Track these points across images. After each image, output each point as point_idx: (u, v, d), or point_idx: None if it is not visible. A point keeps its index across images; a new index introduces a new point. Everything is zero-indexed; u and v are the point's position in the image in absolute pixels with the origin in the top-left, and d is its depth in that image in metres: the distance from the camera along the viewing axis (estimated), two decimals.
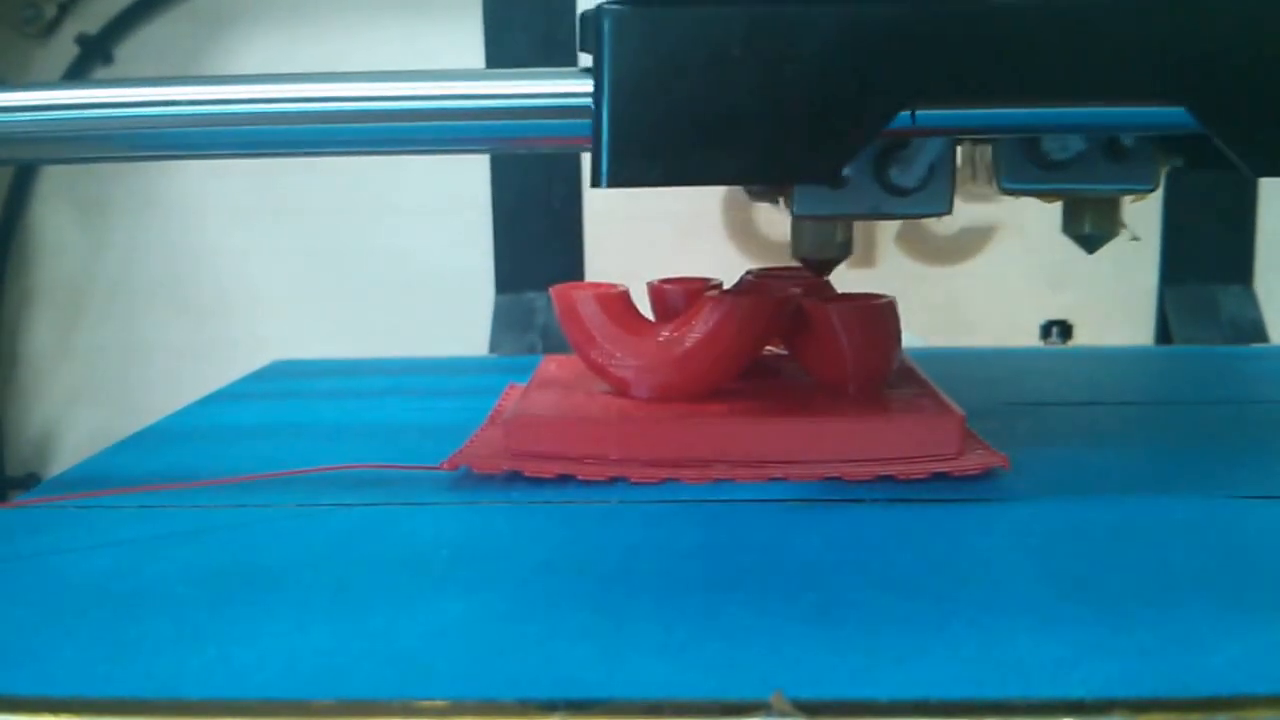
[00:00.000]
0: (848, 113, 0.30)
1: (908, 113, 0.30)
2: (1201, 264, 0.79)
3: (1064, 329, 0.83)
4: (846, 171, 0.35)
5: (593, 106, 0.31)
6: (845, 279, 0.43)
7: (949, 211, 0.36)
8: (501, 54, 0.77)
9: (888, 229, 0.81)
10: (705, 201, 0.79)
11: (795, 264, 0.45)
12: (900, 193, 0.35)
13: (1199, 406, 0.47)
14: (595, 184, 0.31)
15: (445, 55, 0.81)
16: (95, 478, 0.38)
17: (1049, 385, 0.51)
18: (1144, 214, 0.79)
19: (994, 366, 0.55)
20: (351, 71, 0.34)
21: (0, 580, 0.29)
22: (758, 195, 0.43)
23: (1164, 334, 0.80)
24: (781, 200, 0.38)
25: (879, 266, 0.82)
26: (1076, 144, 0.35)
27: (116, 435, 0.44)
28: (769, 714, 0.21)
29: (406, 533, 0.32)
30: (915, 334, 0.78)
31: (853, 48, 0.29)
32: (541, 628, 0.25)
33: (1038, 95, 0.30)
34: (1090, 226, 0.37)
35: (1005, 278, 0.82)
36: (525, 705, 0.22)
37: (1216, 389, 0.51)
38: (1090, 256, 0.39)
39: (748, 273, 0.44)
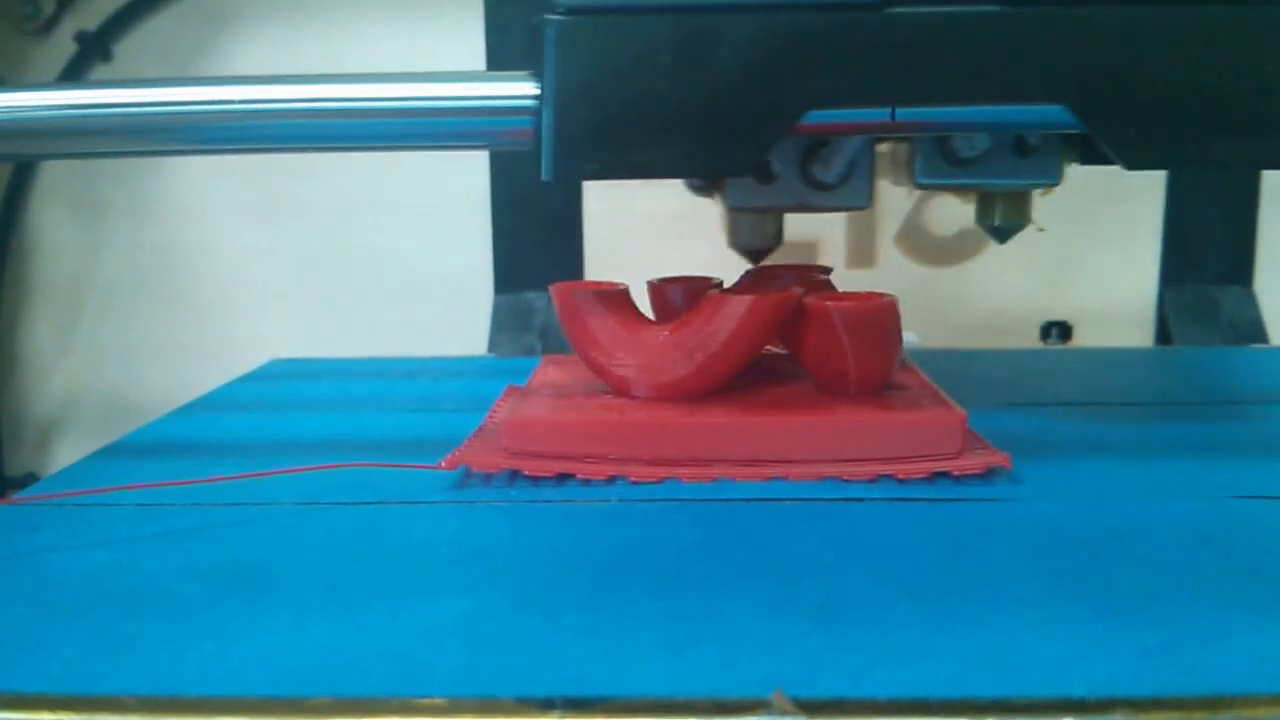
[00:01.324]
0: (761, 113, 0.33)
1: (819, 111, 0.33)
2: (1201, 265, 0.79)
3: (1064, 329, 0.83)
4: (775, 168, 0.38)
5: (537, 106, 0.34)
6: (845, 279, 0.43)
7: (868, 205, 0.39)
8: (502, 52, 0.77)
9: (887, 229, 0.81)
10: (705, 201, 0.79)
11: (794, 263, 0.45)
12: (823, 187, 0.39)
13: (1199, 406, 0.46)
14: (541, 177, 0.34)
15: (446, 53, 0.81)
16: (93, 476, 0.38)
17: (1049, 385, 0.51)
18: (1144, 215, 0.79)
19: (994, 366, 0.55)
20: (339, 73, 0.36)
21: None
22: (697, 190, 0.45)
23: (1164, 335, 0.80)
24: (717, 195, 0.41)
25: (879, 267, 0.82)
26: (983, 142, 0.38)
27: (115, 434, 0.44)
28: (769, 712, 0.21)
29: (404, 531, 0.32)
30: (915, 334, 0.78)
31: (765, 54, 0.33)
32: (540, 626, 0.25)
33: (932, 98, 0.33)
34: (1000, 219, 0.41)
35: (1005, 278, 0.82)
36: (524, 703, 0.22)
37: (1217, 389, 0.51)
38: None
39: (748, 272, 0.44)
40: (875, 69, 0.32)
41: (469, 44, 0.78)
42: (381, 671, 0.23)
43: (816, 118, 0.33)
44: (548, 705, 0.22)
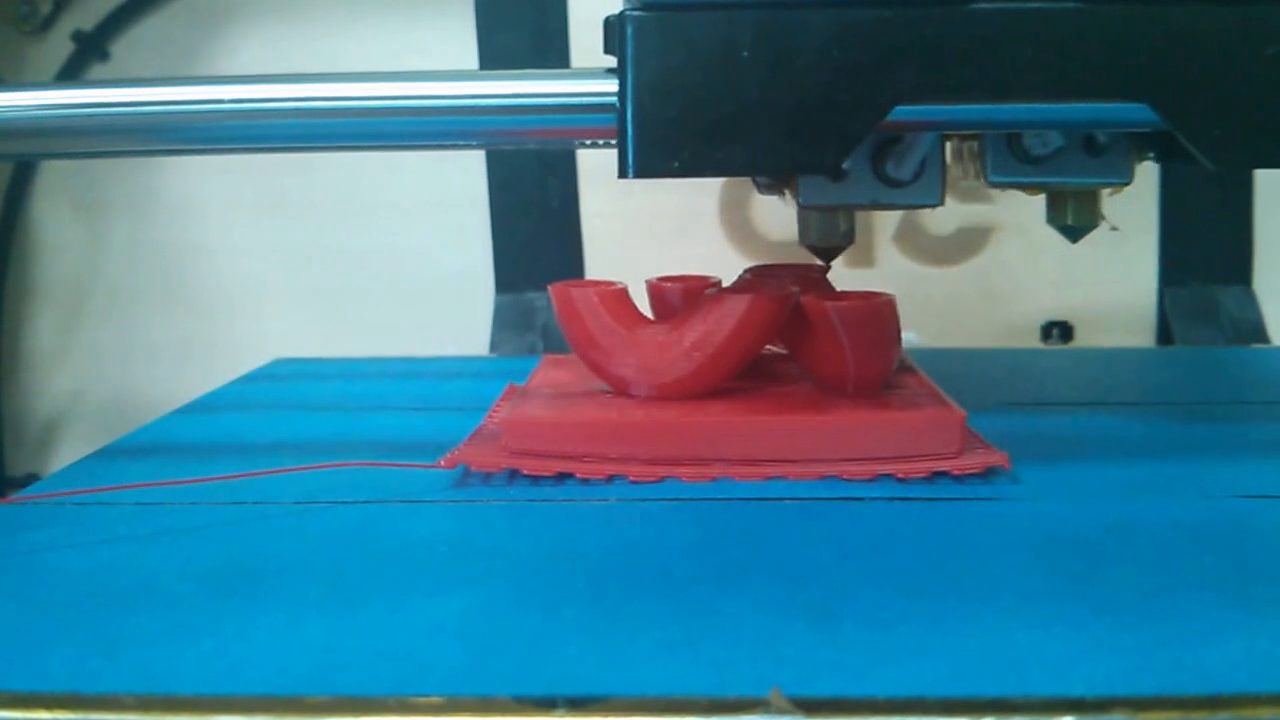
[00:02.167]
0: (845, 109, 0.33)
1: (905, 106, 0.33)
2: (1201, 265, 0.79)
3: (1064, 330, 0.83)
4: (846, 165, 0.37)
5: (617, 104, 0.34)
6: (844, 278, 0.43)
7: (941, 202, 0.38)
8: (493, 50, 0.77)
9: (885, 229, 0.81)
10: (704, 200, 0.79)
11: (794, 262, 0.45)
12: (895, 185, 0.38)
13: (1199, 406, 0.46)
14: (622, 175, 0.34)
15: (438, 50, 0.81)
16: (93, 475, 0.38)
17: (1049, 385, 0.51)
18: (1141, 214, 0.79)
19: (994, 366, 0.55)
20: (357, 72, 0.36)
21: None
22: (765, 188, 0.45)
23: (1164, 335, 0.80)
24: (787, 192, 0.40)
25: (878, 266, 0.82)
26: (1056, 140, 0.37)
27: (117, 434, 0.44)
28: (767, 711, 0.21)
29: (403, 530, 0.32)
30: (915, 334, 0.77)
31: (848, 49, 0.32)
32: (539, 624, 0.25)
33: (1015, 94, 0.33)
34: (1072, 218, 0.40)
35: (1005, 278, 0.82)
36: (522, 702, 0.22)
37: (1217, 389, 0.51)
38: (1091, 257, 0.41)
39: (747, 271, 0.44)
40: (958, 65, 0.32)
41: (462, 42, 0.78)
42: (379, 670, 0.23)
43: (903, 114, 0.33)
44: (546, 704, 0.22)
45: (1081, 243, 0.41)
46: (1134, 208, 0.78)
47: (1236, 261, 0.79)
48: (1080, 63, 0.32)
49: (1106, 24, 0.32)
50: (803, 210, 0.41)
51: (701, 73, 0.33)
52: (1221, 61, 0.32)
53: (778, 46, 0.32)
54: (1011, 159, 0.38)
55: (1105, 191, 0.40)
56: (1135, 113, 0.33)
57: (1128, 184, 0.38)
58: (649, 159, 0.33)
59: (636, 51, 0.33)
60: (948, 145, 0.40)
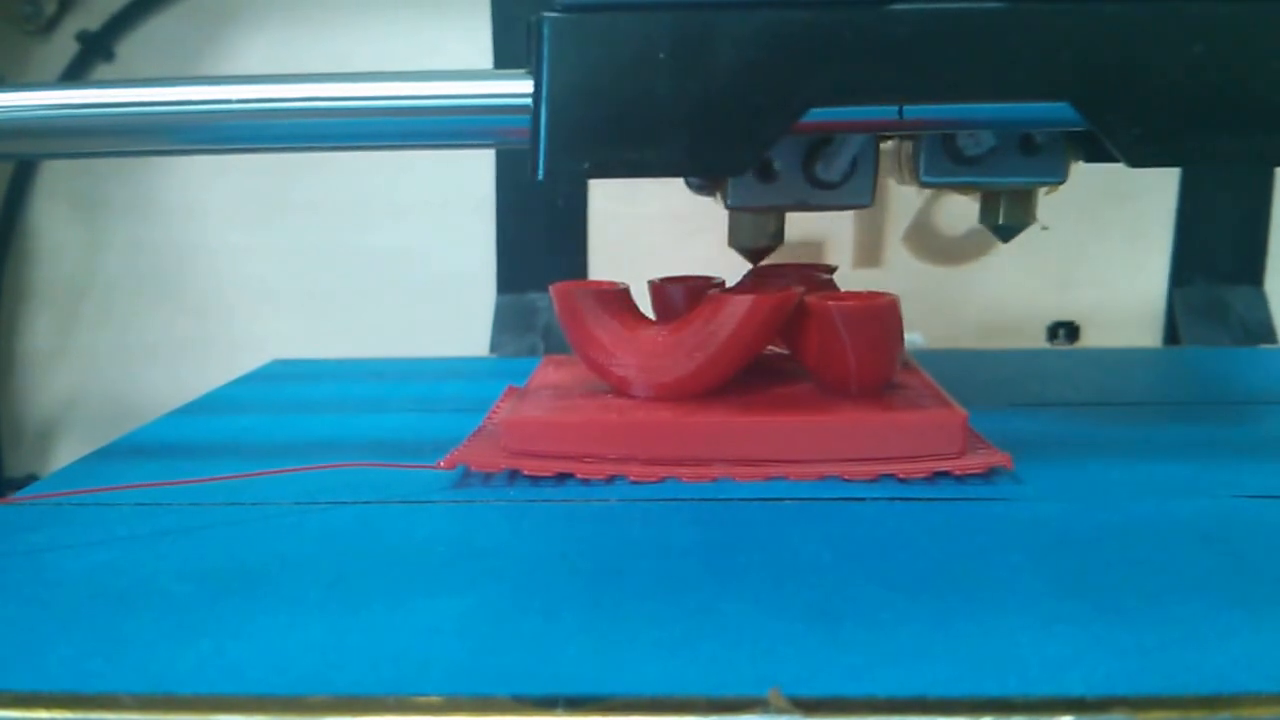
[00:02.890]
0: (758, 111, 0.33)
1: (820, 109, 0.33)
2: (1211, 265, 0.79)
3: (1070, 330, 0.83)
4: (777, 166, 0.38)
5: (531, 104, 0.34)
6: (851, 278, 0.43)
7: (870, 204, 0.39)
8: (510, 49, 0.77)
9: (895, 229, 0.81)
10: (708, 201, 0.79)
11: (796, 262, 0.45)
12: (825, 186, 0.38)
13: (1205, 407, 0.46)
14: (532, 175, 0.34)
15: (452, 51, 0.81)
16: (92, 476, 0.38)
17: (1054, 385, 0.51)
18: (1154, 215, 0.78)
19: (999, 367, 0.55)
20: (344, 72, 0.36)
21: None
22: (698, 189, 0.45)
23: (1172, 336, 0.80)
24: (718, 194, 0.41)
25: (885, 266, 0.82)
26: (988, 140, 0.37)
27: (116, 435, 0.44)
28: (766, 711, 0.21)
29: (403, 530, 0.32)
30: (920, 334, 0.77)
31: (763, 51, 0.32)
32: (538, 624, 0.25)
33: (933, 95, 0.33)
34: (1005, 218, 0.40)
35: (1011, 278, 0.82)
36: (520, 701, 0.22)
37: (1223, 390, 0.51)
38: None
39: (750, 271, 0.44)
40: (876, 66, 0.32)
41: (476, 43, 0.78)
42: (378, 670, 0.23)
43: (818, 115, 0.33)
44: (545, 704, 0.22)
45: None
46: (1147, 207, 0.78)
47: (1248, 262, 0.79)
48: (1000, 63, 0.32)
49: (1026, 23, 0.32)
50: (731, 211, 0.41)
51: (617, 74, 0.33)
52: (1139, 60, 0.32)
53: (693, 48, 0.32)
54: (946, 159, 0.38)
55: (1042, 190, 0.40)
56: (1060, 112, 0.33)
57: (1061, 183, 0.38)
58: (559, 160, 0.33)
59: (552, 53, 0.33)
60: (886, 145, 0.40)
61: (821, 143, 0.37)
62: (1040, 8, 0.32)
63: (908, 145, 0.40)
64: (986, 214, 0.41)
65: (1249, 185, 0.78)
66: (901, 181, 0.41)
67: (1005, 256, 0.81)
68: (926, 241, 0.81)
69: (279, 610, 0.26)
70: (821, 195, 0.38)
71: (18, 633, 0.25)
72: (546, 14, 0.33)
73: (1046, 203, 0.41)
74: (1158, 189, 0.78)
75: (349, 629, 0.25)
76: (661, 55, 0.32)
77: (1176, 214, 0.78)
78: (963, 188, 0.39)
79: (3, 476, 0.87)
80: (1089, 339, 0.82)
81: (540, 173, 0.33)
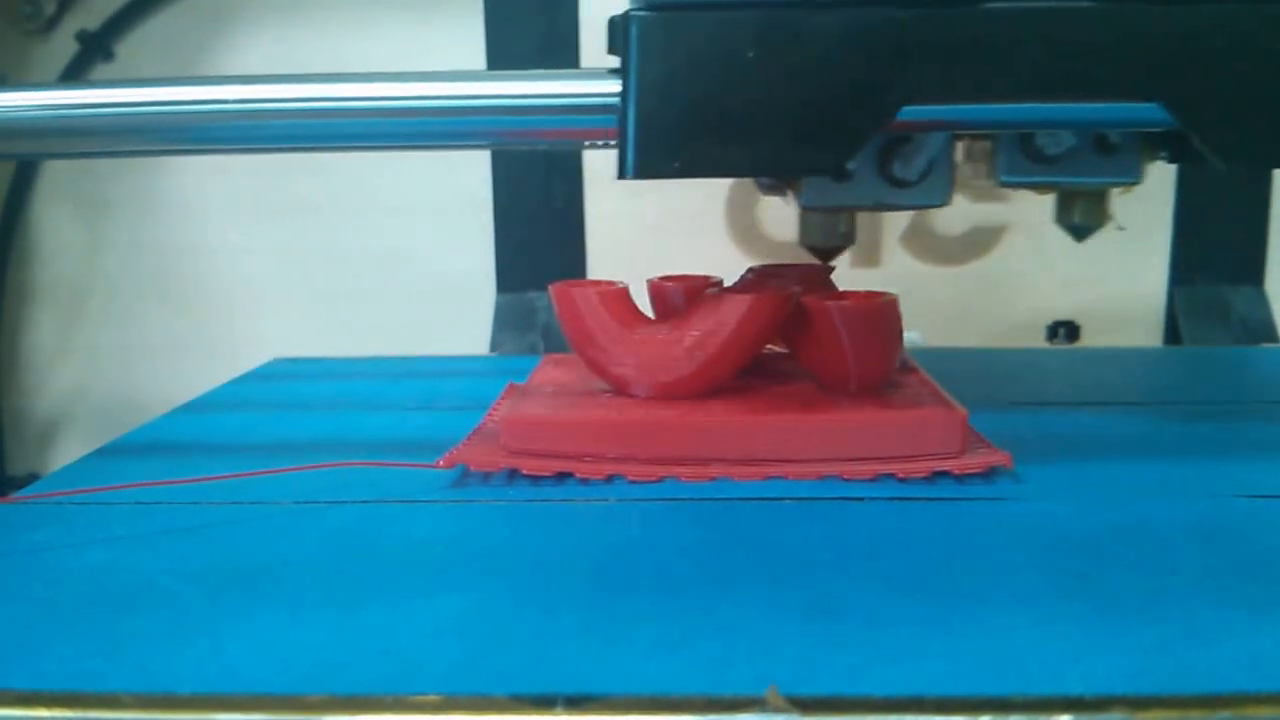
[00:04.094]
0: (851, 110, 0.33)
1: (912, 107, 0.33)
2: (1212, 264, 0.79)
3: (1070, 330, 0.83)
4: (851, 165, 0.37)
5: (620, 104, 0.34)
6: (849, 277, 0.43)
7: (948, 202, 0.38)
8: (502, 50, 0.77)
9: (893, 229, 0.81)
10: (708, 200, 0.79)
11: (796, 261, 0.45)
12: (902, 185, 0.37)
13: (1204, 406, 0.46)
14: (621, 175, 0.34)
15: (446, 51, 0.81)
16: (93, 475, 0.38)
17: (1054, 385, 0.51)
18: (1154, 214, 0.78)
19: (999, 366, 0.55)
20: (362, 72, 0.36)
21: None
22: (768, 189, 0.44)
23: (1173, 335, 0.80)
24: (790, 193, 0.40)
25: (884, 266, 0.82)
26: (1068, 139, 0.37)
27: (117, 434, 0.44)
28: (764, 709, 0.21)
29: (402, 530, 0.32)
30: (918, 333, 0.77)
31: (855, 49, 0.32)
32: (537, 624, 0.25)
33: (1025, 94, 0.33)
34: (1080, 217, 0.40)
35: (1011, 278, 0.82)
36: (519, 701, 0.22)
37: (1224, 389, 0.51)
38: (1100, 256, 0.40)
39: (749, 270, 0.44)
40: (967, 64, 0.32)
41: (469, 43, 0.78)
42: (377, 669, 0.23)
43: (909, 114, 0.33)
44: (543, 702, 0.22)
45: (1090, 242, 0.41)
46: (1147, 206, 0.78)
47: (1249, 261, 0.79)
48: (1092, 62, 0.32)
49: (1119, 23, 0.32)
50: (804, 210, 0.40)
51: (705, 73, 0.32)
52: (1234, 61, 0.32)
53: (783, 46, 0.32)
54: (1023, 158, 0.37)
55: (1115, 190, 0.39)
56: (1148, 112, 0.33)
57: (1138, 183, 0.38)
58: (649, 159, 0.33)
59: (641, 51, 0.33)
60: (959, 144, 0.40)
61: (898, 141, 0.37)
62: (1133, 8, 0.32)
63: (983, 143, 0.40)
64: (1063, 214, 0.40)
65: (1247, 185, 0.78)
66: (975, 180, 0.41)
67: (1004, 257, 0.81)
68: (925, 241, 0.81)
69: (278, 609, 0.26)
70: (897, 194, 0.38)
71: (18, 631, 0.25)
72: (634, 12, 0.33)
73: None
74: (1157, 188, 0.78)
75: (348, 628, 0.25)
76: (749, 53, 0.32)
77: (1175, 213, 0.78)
78: (1040, 187, 0.39)
79: (4, 475, 0.87)
80: (1089, 339, 0.82)
81: (630, 171, 0.33)
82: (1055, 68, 0.32)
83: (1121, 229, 0.41)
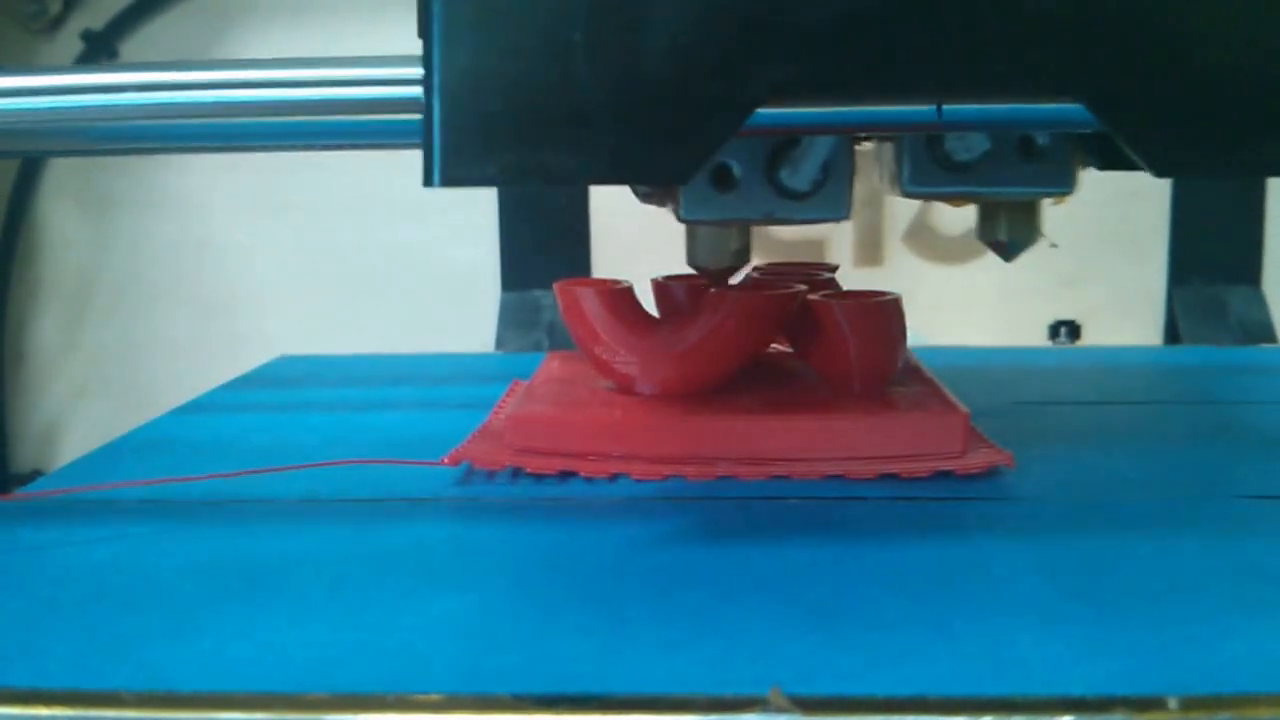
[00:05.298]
0: (699, 107, 0.27)
1: (773, 108, 0.27)
2: (1210, 264, 0.79)
3: (1072, 329, 0.83)
4: (737, 174, 0.33)
5: (423, 96, 0.28)
6: (853, 277, 0.43)
7: (847, 217, 0.34)
8: None
9: (895, 228, 0.81)
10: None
11: (799, 262, 0.45)
12: (794, 196, 0.33)
13: (1206, 406, 0.46)
14: (427, 182, 0.28)
15: None
16: (97, 472, 0.38)
17: (1056, 385, 0.51)
18: (1151, 214, 0.78)
19: (1001, 366, 0.55)
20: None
21: None
22: (646, 198, 0.40)
23: (1173, 334, 0.80)
24: (669, 204, 0.36)
25: (887, 265, 0.82)
26: (981, 143, 0.32)
27: (122, 431, 0.44)
28: (766, 710, 0.21)
29: (406, 528, 0.32)
30: (922, 333, 0.77)
31: (703, 33, 0.26)
32: (540, 623, 0.25)
33: (913, 91, 0.27)
34: (1006, 232, 0.35)
35: (1013, 277, 0.82)
36: (521, 700, 0.22)
37: (1224, 389, 0.51)
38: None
39: (752, 269, 0.44)
40: (845, 52, 0.26)
41: None
42: (379, 667, 0.23)
43: (770, 116, 0.27)
44: (545, 702, 0.22)
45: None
46: (1145, 206, 0.78)
47: (1246, 262, 0.79)
48: (1000, 53, 0.26)
49: (1032, 6, 0.26)
50: (688, 225, 0.36)
51: (524, 58, 0.26)
52: (1167, 54, 0.26)
53: (616, 27, 0.26)
54: (933, 165, 0.33)
55: (1047, 202, 0.35)
56: (1069, 112, 0.27)
57: (1069, 194, 0.33)
58: (458, 163, 0.27)
59: (445, 29, 0.27)
60: (865, 146, 0.35)
61: (786, 145, 0.32)
62: None
63: (889, 147, 0.35)
64: (986, 229, 0.36)
65: (1243, 186, 0.78)
66: (883, 189, 0.36)
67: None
68: (927, 240, 0.81)
69: (281, 607, 0.26)
70: (790, 207, 0.33)
71: (20, 629, 0.25)
72: None
73: (1044, 202, 0.40)
74: (1156, 188, 0.78)
75: (351, 626, 0.25)
76: (577, 35, 0.26)
77: (1171, 213, 0.78)
78: (954, 198, 0.34)
79: (8, 472, 0.88)
80: (1090, 338, 0.82)
81: (436, 177, 0.27)
82: (949, 59, 0.26)
83: (1054, 246, 0.36)
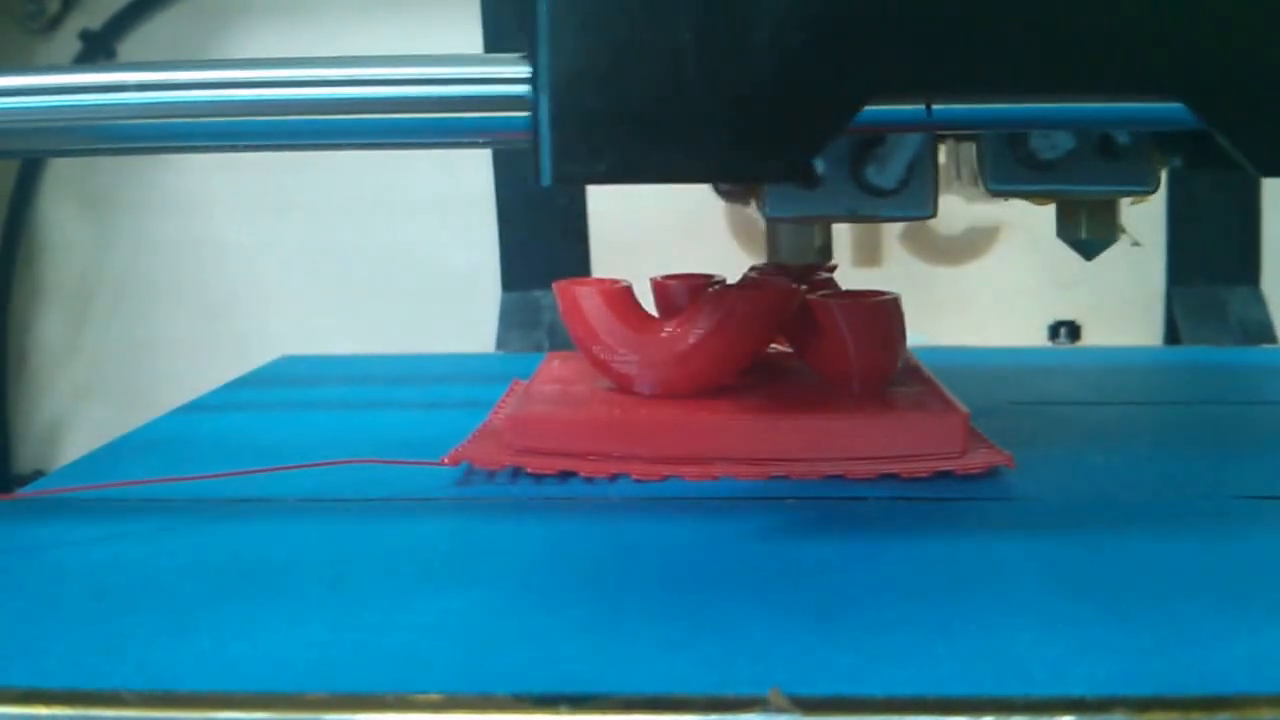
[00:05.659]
0: (807, 106, 0.27)
1: (879, 105, 0.27)
2: (1209, 265, 0.79)
3: (1072, 329, 0.83)
4: (821, 171, 0.33)
5: (531, 95, 0.28)
6: (851, 277, 0.43)
7: (933, 214, 0.34)
8: (502, 49, 0.77)
9: (892, 228, 0.81)
10: (714, 200, 0.79)
11: (799, 261, 0.44)
12: (878, 193, 0.33)
13: (1206, 407, 0.46)
14: (535, 181, 0.28)
15: (447, 49, 0.81)
16: (98, 471, 0.38)
17: (1055, 385, 0.51)
18: (1149, 215, 0.78)
19: (1000, 366, 0.55)
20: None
21: None
22: (729, 195, 0.40)
23: (1172, 335, 0.80)
24: (753, 201, 0.36)
25: (885, 266, 0.82)
26: (1066, 142, 0.32)
27: (124, 431, 0.44)
28: (766, 710, 0.21)
29: (405, 528, 0.32)
30: (922, 333, 0.77)
31: (811, 33, 0.27)
32: (540, 622, 0.25)
33: (1019, 88, 0.28)
34: (1087, 231, 0.35)
35: (1013, 277, 0.82)
36: (520, 700, 0.22)
37: (1223, 389, 0.51)
38: (1100, 257, 0.37)
39: (752, 269, 0.44)
40: (944, 53, 0.27)
41: (469, 44, 0.78)
42: (379, 666, 0.23)
43: (875, 114, 0.28)
44: (545, 702, 0.22)
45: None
46: (1142, 207, 0.78)
47: (1245, 262, 0.79)
48: (1101, 52, 0.27)
49: (1134, 7, 0.26)
50: (770, 222, 0.36)
51: (633, 57, 0.27)
52: (1269, 52, 0.26)
53: (724, 27, 0.27)
54: (1015, 164, 0.33)
55: (1124, 201, 0.35)
56: (1166, 112, 0.27)
57: (1151, 192, 0.33)
58: (568, 162, 0.27)
59: (553, 31, 0.27)
60: (942, 145, 0.36)
61: (872, 143, 0.32)
62: None
63: (967, 147, 0.35)
64: (1066, 228, 0.35)
65: (1236, 185, 0.78)
66: (960, 186, 0.37)
67: (1006, 256, 0.81)
68: (925, 240, 0.81)
69: (281, 607, 0.26)
70: (874, 203, 0.33)
71: (20, 628, 0.25)
72: None
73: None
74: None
75: (350, 626, 0.25)
76: (686, 34, 0.27)
77: (1167, 214, 0.78)
78: (1037, 196, 0.34)
79: (10, 471, 0.88)
80: (1090, 338, 0.82)
81: (546, 176, 0.28)
82: (1051, 58, 0.27)
83: (1138, 244, 0.36)
